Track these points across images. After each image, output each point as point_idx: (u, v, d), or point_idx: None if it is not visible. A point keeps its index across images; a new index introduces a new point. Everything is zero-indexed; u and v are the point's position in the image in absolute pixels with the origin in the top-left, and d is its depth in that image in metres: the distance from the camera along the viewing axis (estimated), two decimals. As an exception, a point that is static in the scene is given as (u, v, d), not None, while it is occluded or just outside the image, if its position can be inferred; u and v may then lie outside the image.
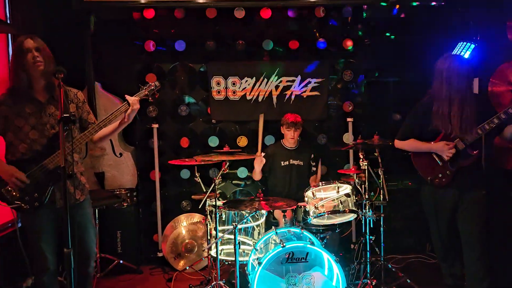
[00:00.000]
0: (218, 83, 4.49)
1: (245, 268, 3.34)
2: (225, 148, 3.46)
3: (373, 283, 3.45)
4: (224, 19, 4.42)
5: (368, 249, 3.54)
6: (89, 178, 4.20)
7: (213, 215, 3.43)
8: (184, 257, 4.23)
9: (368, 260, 3.54)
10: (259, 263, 2.98)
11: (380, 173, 3.59)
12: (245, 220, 3.52)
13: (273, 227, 3.38)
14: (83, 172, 2.78)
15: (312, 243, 3.07)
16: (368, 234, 3.54)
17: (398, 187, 4.46)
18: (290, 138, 4.06)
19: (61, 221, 2.15)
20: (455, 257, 3.06)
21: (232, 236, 3.18)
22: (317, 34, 4.53)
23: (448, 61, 2.90)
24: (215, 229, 3.38)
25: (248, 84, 4.50)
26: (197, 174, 3.77)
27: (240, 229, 3.55)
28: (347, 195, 3.36)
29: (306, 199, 3.43)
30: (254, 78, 4.49)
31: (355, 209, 3.37)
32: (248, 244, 3.55)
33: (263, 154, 3.99)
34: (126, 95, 2.66)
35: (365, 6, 4.46)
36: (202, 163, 3.78)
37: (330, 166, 4.59)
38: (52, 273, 2.66)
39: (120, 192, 4.26)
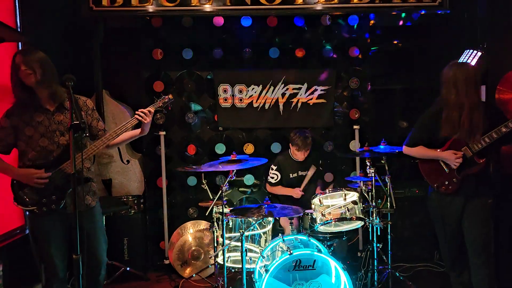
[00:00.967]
0: (225, 91, 4.51)
1: (252, 275, 3.34)
2: (233, 155, 3.47)
3: (381, 292, 3.44)
4: (231, 27, 4.46)
5: (375, 257, 3.53)
6: (96, 185, 4.22)
7: (220, 222, 3.44)
8: (191, 264, 4.22)
9: (375, 268, 3.52)
10: (266, 271, 2.98)
11: (387, 180, 3.58)
12: (252, 227, 3.52)
13: (280, 234, 3.38)
14: (94, 179, 2.81)
15: (320, 251, 3.06)
16: (375, 242, 3.53)
17: (406, 195, 4.44)
18: (300, 158, 4.08)
19: (72, 227, 2.17)
20: (464, 266, 3.04)
21: (239, 243, 3.19)
22: (324, 42, 4.55)
23: (454, 68, 2.91)
24: (222, 236, 3.38)
25: (255, 92, 4.52)
26: (204, 181, 3.78)
27: (247, 236, 3.55)
28: (354, 202, 3.35)
29: (313, 206, 3.43)
30: (260, 85, 4.51)
31: (362, 216, 3.36)
32: (255, 252, 3.54)
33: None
34: (139, 110, 2.70)
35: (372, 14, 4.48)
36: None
37: (336, 174, 4.59)
38: (61, 280, 2.67)
39: (127, 199, 4.28)
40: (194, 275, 4.11)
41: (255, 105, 4.53)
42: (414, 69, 4.66)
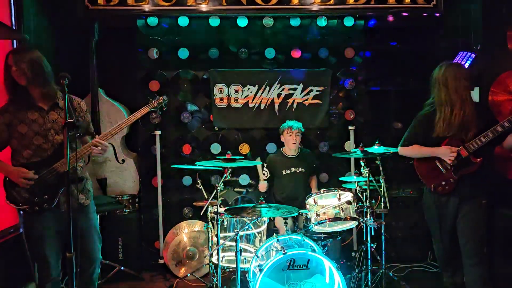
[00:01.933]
0: (221, 91, 4.52)
1: (246, 275, 3.34)
2: (228, 155, 3.47)
3: (375, 292, 3.45)
4: (227, 27, 4.46)
5: (369, 257, 3.54)
6: (90, 183, 4.21)
7: (215, 222, 3.44)
8: (185, 264, 4.22)
9: (369, 268, 3.54)
10: (260, 270, 2.98)
11: (381, 181, 3.60)
12: (246, 227, 3.52)
13: (274, 234, 3.39)
14: (88, 178, 2.81)
15: (314, 250, 3.07)
16: (369, 242, 3.54)
17: (400, 195, 4.46)
18: (292, 143, 4.08)
19: (65, 226, 2.16)
20: (457, 266, 3.06)
21: (233, 243, 3.19)
22: (319, 43, 4.56)
23: (443, 68, 2.94)
24: (217, 236, 3.39)
25: (251, 92, 4.53)
26: (199, 181, 3.78)
27: (242, 236, 3.55)
28: (349, 202, 3.37)
29: (307, 206, 3.44)
30: (256, 86, 4.52)
31: (356, 216, 3.37)
32: (250, 251, 3.55)
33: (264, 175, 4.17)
34: (94, 139, 2.67)
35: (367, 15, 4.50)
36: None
37: (331, 174, 4.60)
38: (55, 279, 2.66)
39: (122, 198, 4.27)
40: (188, 275, 4.11)
41: (250, 105, 4.54)
42: (409, 71, 4.68)
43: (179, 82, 4.55)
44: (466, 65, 3.77)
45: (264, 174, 4.19)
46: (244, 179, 4.59)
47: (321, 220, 3.30)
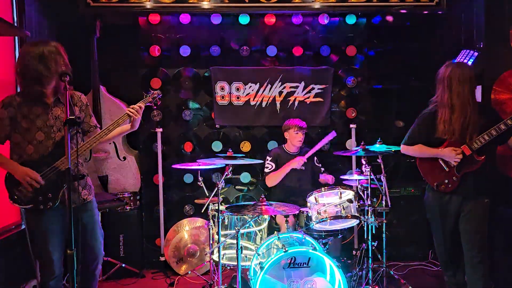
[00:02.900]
0: (222, 89, 4.51)
1: (247, 273, 3.35)
2: (229, 153, 3.47)
3: (375, 290, 3.45)
4: (229, 25, 4.46)
5: (370, 256, 3.54)
6: (92, 181, 4.21)
7: (216, 220, 3.44)
8: (186, 261, 4.23)
9: (370, 266, 3.54)
10: (261, 268, 2.98)
11: (382, 179, 3.59)
12: (247, 225, 3.53)
13: (275, 232, 3.39)
14: (88, 174, 2.81)
15: (315, 248, 3.07)
16: (370, 240, 3.54)
17: (401, 194, 4.46)
18: (298, 141, 4.08)
19: (68, 223, 2.16)
20: (458, 265, 3.05)
21: (234, 241, 3.19)
22: (321, 41, 4.56)
23: (449, 68, 2.92)
24: (218, 233, 3.39)
25: (252, 90, 4.52)
26: (200, 179, 3.78)
27: (243, 233, 3.56)
28: (350, 200, 3.36)
29: (308, 204, 3.43)
30: (258, 83, 4.51)
31: (358, 215, 3.37)
32: (250, 249, 3.55)
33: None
34: (130, 107, 2.70)
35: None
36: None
37: (332, 172, 4.59)
38: (57, 277, 2.66)
39: (123, 195, 4.27)
40: (189, 272, 4.12)
41: (252, 103, 4.54)
42: (411, 69, 4.67)
43: (181, 80, 4.55)
44: (469, 63, 3.75)
45: (267, 168, 4.15)
46: (245, 177, 4.59)
47: (322, 218, 3.30)
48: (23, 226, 3.41)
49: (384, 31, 4.68)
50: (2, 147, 2.62)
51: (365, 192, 3.57)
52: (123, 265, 4.08)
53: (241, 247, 3.13)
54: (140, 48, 4.48)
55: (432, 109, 3.00)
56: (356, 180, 3.76)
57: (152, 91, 2.91)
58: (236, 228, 3.08)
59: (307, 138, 4.39)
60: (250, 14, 4.36)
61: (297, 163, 3.96)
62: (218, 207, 3.36)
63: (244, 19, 4.38)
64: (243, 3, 4.16)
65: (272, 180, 4.08)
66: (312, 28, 4.53)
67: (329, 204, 3.34)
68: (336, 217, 3.32)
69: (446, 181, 2.93)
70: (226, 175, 3.43)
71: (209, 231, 3.68)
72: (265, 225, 3.65)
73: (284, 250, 2.98)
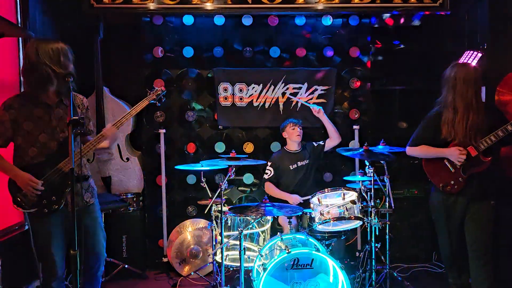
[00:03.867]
0: (225, 90, 4.51)
1: (250, 274, 3.34)
2: (232, 154, 3.47)
3: (379, 292, 3.44)
4: (232, 26, 4.46)
5: (373, 257, 3.53)
6: (96, 182, 4.21)
7: (219, 221, 3.44)
8: (189, 262, 4.23)
9: (373, 268, 3.53)
10: (264, 269, 2.98)
11: (386, 180, 3.58)
12: (250, 226, 3.52)
13: (278, 233, 3.38)
14: (91, 175, 2.81)
15: (318, 250, 3.06)
16: (373, 241, 3.53)
17: (405, 195, 4.44)
18: (296, 136, 4.10)
19: (71, 224, 2.16)
20: (463, 267, 3.04)
21: (237, 242, 3.19)
22: (324, 42, 4.55)
23: (455, 69, 2.92)
24: (221, 234, 3.38)
25: (255, 91, 4.52)
26: (203, 180, 3.78)
27: (246, 235, 3.55)
28: (353, 202, 3.35)
29: (311, 205, 3.43)
30: (261, 84, 4.51)
31: (361, 216, 3.36)
32: (253, 250, 3.55)
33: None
34: (104, 129, 2.68)
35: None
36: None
37: (336, 173, 4.59)
38: (60, 278, 2.66)
39: (126, 196, 4.28)
40: (192, 273, 4.11)
41: (255, 104, 4.53)
42: (414, 70, 4.66)
43: (184, 81, 4.55)
44: (473, 64, 3.74)
45: (267, 174, 4.16)
46: (248, 178, 4.59)
47: (325, 220, 3.29)
48: (27, 227, 3.42)
49: (387, 32, 4.67)
50: (6, 152, 2.61)
51: (368, 193, 3.55)
52: (126, 266, 4.08)
53: (244, 248, 3.12)
54: (143, 49, 4.48)
55: (438, 110, 2.99)
56: (359, 181, 3.75)
57: (156, 88, 2.92)
58: (239, 229, 3.08)
59: (310, 140, 4.39)
60: (253, 15, 4.36)
61: (293, 201, 3.90)
62: (221, 208, 3.35)
63: (247, 20, 4.38)
64: (246, 4, 4.16)
65: (271, 193, 4.09)
66: (315, 29, 4.53)
67: (332, 205, 3.34)
68: (339, 218, 3.32)
69: (452, 182, 2.92)
70: (229, 176, 3.44)
71: (212, 232, 3.68)
72: (268, 226, 3.65)
73: (287, 251, 2.98)
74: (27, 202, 2.53)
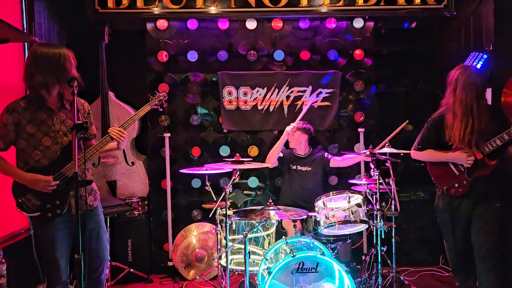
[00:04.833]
0: (230, 93, 4.52)
1: (255, 278, 3.32)
2: (236, 157, 3.46)
3: (385, 295, 3.41)
4: (236, 30, 4.47)
5: (379, 261, 3.50)
6: (101, 186, 4.24)
7: (224, 225, 3.43)
8: (194, 266, 4.22)
9: (379, 272, 3.50)
10: (269, 273, 2.96)
11: (391, 183, 3.56)
12: (255, 230, 3.51)
13: (283, 236, 3.37)
14: (93, 179, 2.81)
15: (323, 253, 3.04)
16: (379, 245, 3.51)
17: (411, 198, 4.41)
18: (294, 143, 4.11)
19: (75, 228, 2.16)
20: (470, 271, 3.00)
21: (242, 246, 3.17)
22: (329, 45, 4.54)
23: (457, 72, 2.90)
24: (225, 238, 3.37)
25: (260, 94, 4.52)
26: (208, 183, 3.78)
27: (250, 238, 3.54)
28: (358, 205, 3.33)
29: (316, 208, 3.41)
30: (265, 88, 4.51)
31: (366, 219, 3.34)
32: (258, 254, 3.53)
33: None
34: (110, 129, 2.65)
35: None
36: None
37: (341, 176, 4.57)
38: (64, 282, 2.66)
39: (131, 200, 4.28)
40: (197, 277, 4.10)
41: (259, 107, 4.53)
42: (419, 72, 4.64)
43: (188, 85, 4.57)
44: (478, 66, 3.72)
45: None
46: (253, 182, 4.58)
47: (331, 223, 3.28)
48: (31, 232, 3.43)
49: (392, 34, 4.66)
50: (8, 157, 2.62)
51: (374, 196, 3.53)
52: (131, 270, 4.08)
53: (249, 252, 3.11)
54: (148, 54, 4.50)
55: (441, 113, 2.98)
56: (364, 184, 3.73)
57: (158, 94, 2.93)
58: (244, 233, 3.07)
59: (315, 143, 4.37)
60: (257, 19, 4.37)
61: (290, 128, 4.01)
62: (226, 212, 3.35)
63: (251, 24, 4.39)
64: (250, 8, 4.17)
65: (271, 156, 4.10)
66: (319, 32, 4.52)
67: (337, 208, 3.32)
68: (345, 222, 3.30)
69: (457, 185, 2.90)
70: (234, 179, 3.42)
71: (217, 236, 3.67)
72: (273, 229, 3.63)
73: (292, 255, 2.96)
74: (31, 206, 2.54)
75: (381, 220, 3.44)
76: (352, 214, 3.29)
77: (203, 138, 4.62)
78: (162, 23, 4.39)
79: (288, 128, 4.05)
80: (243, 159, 3.42)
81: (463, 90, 2.84)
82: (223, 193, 3.37)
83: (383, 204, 3.59)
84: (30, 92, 2.59)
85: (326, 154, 4.22)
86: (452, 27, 4.44)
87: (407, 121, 3.76)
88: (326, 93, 4.51)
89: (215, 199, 3.70)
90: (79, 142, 2.48)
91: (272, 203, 3.24)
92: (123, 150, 4.33)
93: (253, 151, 4.59)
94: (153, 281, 4.24)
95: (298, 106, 4.52)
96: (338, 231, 3.42)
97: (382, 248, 3.52)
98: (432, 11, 4.18)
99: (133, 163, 4.39)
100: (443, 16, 4.25)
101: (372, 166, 3.53)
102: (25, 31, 3.57)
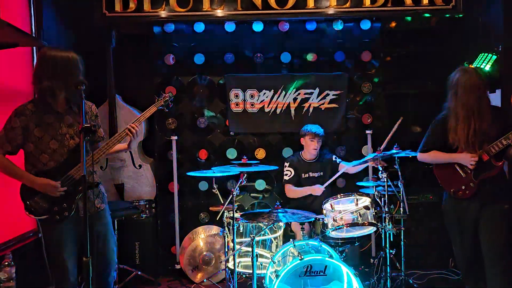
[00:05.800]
0: (237, 96, 4.52)
1: (263, 281, 3.31)
2: (243, 160, 3.46)
3: (394, 299, 3.38)
4: (242, 32, 4.47)
5: (388, 264, 3.47)
6: (108, 189, 4.25)
7: (231, 227, 3.42)
8: (202, 269, 4.21)
9: (388, 275, 3.47)
10: (277, 276, 2.95)
11: (400, 185, 3.53)
12: (262, 232, 3.50)
13: (291, 239, 3.35)
14: (101, 181, 2.82)
15: (331, 256, 3.03)
16: (388, 248, 3.48)
17: (420, 201, 4.37)
18: (313, 149, 4.03)
19: (83, 231, 2.17)
20: (480, 274, 2.96)
21: (249, 249, 3.16)
22: (336, 47, 4.53)
23: (458, 74, 2.88)
24: (233, 241, 3.37)
25: (266, 97, 4.51)
26: (215, 186, 3.78)
27: (258, 241, 3.53)
28: (366, 207, 3.31)
29: (324, 211, 3.39)
30: (272, 90, 4.50)
31: (375, 222, 3.31)
32: (266, 257, 3.52)
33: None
34: (130, 125, 2.69)
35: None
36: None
37: (349, 179, 4.54)
38: (72, 285, 2.67)
39: (139, 203, 4.29)
40: (205, 280, 4.10)
41: (266, 110, 4.52)
42: (427, 74, 4.60)
43: (195, 88, 4.58)
44: (487, 67, 3.68)
45: (287, 175, 4.12)
46: (260, 184, 4.57)
47: (339, 226, 3.26)
48: (40, 235, 3.44)
49: (399, 35, 4.63)
50: (16, 160, 2.64)
51: (382, 198, 3.50)
52: (139, 272, 4.08)
53: (257, 255, 3.09)
54: (155, 57, 4.52)
55: (444, 114, 2.96)
56: (372, 186, 3.70)
57: (163, 94, 2.94)
58: (251, 236, 3.06)
59: (322, 145, 4.35)
60: (264, 21, 4.37)
61: (316, 192, 3.90)
62: (233, 215, 3.34)
63: (258, 26, 4.39)
64: (256, 10, 4.17)
65: (292, 194, 4.06)
66: (326, 34, 4.51)
67: (345, 211, 3.30)
68: (353, 224, 3.28)
69: (463, 187, 2.87)
70: (241, 182, 3.42)
71: (224, 238, 3.67)
72: (280, 232, 3.62)
73: (300, 258, 2.94)
74: (39, 209, 2.56)
75: (390, 222, 3.41)
76: (360, 216, 3.27)
77: (210, 141, 4.62)
78: (169, 27, 4.40)
79: (313, 193, 3.93)
80: (250, 162, 3.41)
81: (464, 93, 2.82)
82: (231, 196, 3.36)
83: (392, 206, 3.56)
84: (38, 96, 2.61)
85: (334, 157, 4.17)
86: (460, 28, 4.40)
87: (402, 118, 3.72)
88: (333, 95, 4.50)
89: (222, 202, 3.69)
90: (86, 145, 2.49)
91: (280, 206, 3.22)
92: (131, 153, 4.35)
93: (260, 153, 4.58)
94: (160, 284, 4.24)
95: (305, 108, 4.51)
96: (346, 234, 3.40)
97: (391, 251, 3.49)
98: (440, 12, 4.14)
99: (140, 166, 4.40)
100: (451, 17, 4.22)
101: (380, 168, 3.51)
102: (34, 35, 3.59)
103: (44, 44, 3.53)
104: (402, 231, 3.54)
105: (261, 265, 3.51)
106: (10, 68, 3.31)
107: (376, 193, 3.53)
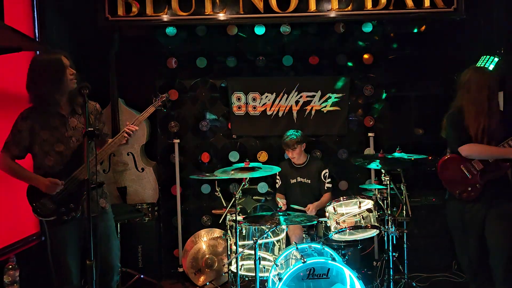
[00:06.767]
0: (239, 99, 4.53)
1: (266, 284, 3.31)
2: (246, 163, 3.46)
3: (397, 302, 3.37)
4: (244, 36, 4.48)
5: (391, 267, 3.47)
6: (111, 192, 4.26)
7: (234, 230, 3.42)
8: (205, 272, 4.21)
9: (391, 278, 3.46)
10: (280, 279, 2.95)
11: (402, 188, 3.53)
12: (265, 235, 3.50)
13: (293, 242, 3.35)
14: (104, 181, 2.84)
15: (334, 259, 3.02)
16: (391, 251, 3.47)
17: (422, 203, 4.36)
18: (296, 160, 4.09)
19: (86, 232, 2.18)
20: (486, 277, 2.94)
21: (252, 252, 3.16)
22: (337, 49, 4.54)
23: (469, 73, 2.87)
24: (235, 244, 3.37)
25: (269, 100, 4.52)
26: (217, 189, 3.78)
27: (261, 244, 3.53)
28: (369, 210, 3.31)
29: (327, 214, 3.39)
30: (274, 93, 4.51)
31: (377, 225, 3.31)
32: (269, 260, 3.52)
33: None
34: (128, 127, 2.74)
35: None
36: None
37: (351, 181, 4.54)
38: (76, 287, 2.68)
39: (141, 206, 4.30)
40: (207, 283, 4.09)
41: (268, 113, 4.53)
42: (429, 76, 4.61)
43: (197, 91, 4.59)
44: (490, 69, 3.68)
45: (277, 183, 4.16)
46: (262, 187, 4.57)
47: (341, 229, 3.25)
48: (43, 238, 3.46)
49: (401, 38, 4.64)
50: (24, 163, 2.66)
51: (385, 201, 3.50)
52: (142, 276, 4.08)
53: (259, 258, 3.10)
54: (157, 60, 4.53)
55: (453, 111, 2.93)
56: (375, 189, 3.70)
57: (160, 95, 2.96)
58: (254, 239, 3.06)
59: (325, 147, 4.36)
60: (266, 25, 4.38)
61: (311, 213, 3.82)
62: (236, 218, 3.34)
63: (259, 30, 4.40)
64: (258, 14, 4.18)
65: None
66: (328, 37, 4.52)
67: (348, 214, 3.30)
68: (355, 227, 3.28)
69: (469, 188, 2.85)
70: (243, 185, 3.42)
71: (227, 241, 3.67)
72: (283, 235, 3.62)
73: (302, 261, 2.94)
74: (46, 211, 2.58)
75: (392, 225, 3.40)
76: (363, 219, 3.27)
77: (212, 144, 4.63)
78: (171, 30, 4.42)
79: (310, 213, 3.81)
80: (252, 165, 3.41)
81: (478, 89, 2.80)
82: (233, 199, 3.36)
83: (394, 209, 3.56)
84: (33, 102, 2.63)
85: (324, 172, 4.07)
86: (462, 30, 4.40)
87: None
88: (335, 97, 4.50)
89: (224, 205, 3.70)
90: (91, 146, 2.51)
91: (282, 209, 3.22)
92: (133, 157, 4.36)
93: (262, 156, 4.59)
94: (163, 287, 4.24)
95: (307, 111, 4.51)
96: (349, 237, 3.40)
97: (394, 254, 3.48)
98: (441, 14, 4.15)
99: (143, 169, 4.41)
100: (453, 20, 4.22)
101: (382, 170, 3.50)
102: (37, 39, 3.61)
103: (47, 48, 3.55)
104: (405, 233, 3.54)
105: (264, 268, 3.50)
106: (14, 72, 3.32)
107: (378, 196, 3.53)
